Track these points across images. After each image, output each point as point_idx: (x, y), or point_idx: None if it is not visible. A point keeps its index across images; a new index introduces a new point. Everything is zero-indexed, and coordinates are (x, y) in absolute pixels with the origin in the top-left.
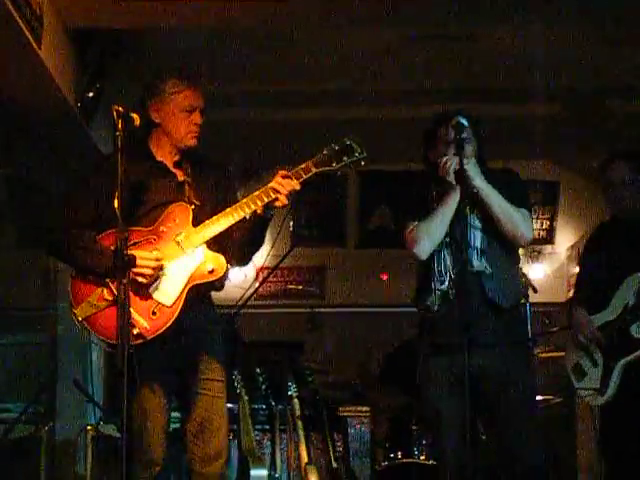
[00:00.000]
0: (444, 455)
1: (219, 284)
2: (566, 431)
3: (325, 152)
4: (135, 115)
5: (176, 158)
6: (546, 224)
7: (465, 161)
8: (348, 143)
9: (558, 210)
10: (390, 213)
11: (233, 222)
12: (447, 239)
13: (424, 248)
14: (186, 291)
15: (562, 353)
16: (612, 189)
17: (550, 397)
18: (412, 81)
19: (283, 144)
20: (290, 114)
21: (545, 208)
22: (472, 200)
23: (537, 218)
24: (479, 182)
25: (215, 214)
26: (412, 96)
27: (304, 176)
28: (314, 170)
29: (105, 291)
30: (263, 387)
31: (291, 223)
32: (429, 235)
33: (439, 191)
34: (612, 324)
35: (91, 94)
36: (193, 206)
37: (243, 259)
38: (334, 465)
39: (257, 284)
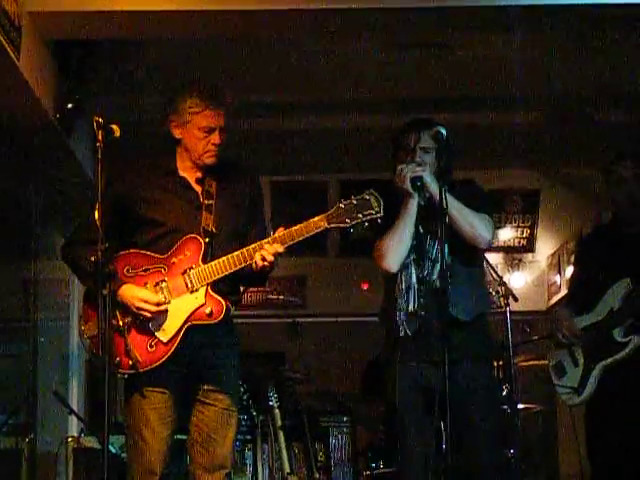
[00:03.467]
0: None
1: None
2: (547, 438)
3: (342, 205)
4: (115, 126)
5: (198, 174)
6: (526, 232)
7: (420, 169)
8: (367, 198)
9: (538, 219)
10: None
11: (239, 267)
12: (413, 255)
13: (391, 261)
14: (184, 330)
15: (543, 362)
16: (625, 185)
17: (531, 406)
18: (394, 89)
19: (269, 153)
20: (274, 123)
21: (525, 216)
22: (430, 210)
23: (517, 226)
24: (434, 188)
25: (232, 240)
26: (393, 105)
27: (314, 231)
28: (325, 226)
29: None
30: (244, 397)
31: (271, 233)
32: (394, 247)
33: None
34: (596, 326)
35: (70, 105)
36: (207, 239)
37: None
38: (316, 475)
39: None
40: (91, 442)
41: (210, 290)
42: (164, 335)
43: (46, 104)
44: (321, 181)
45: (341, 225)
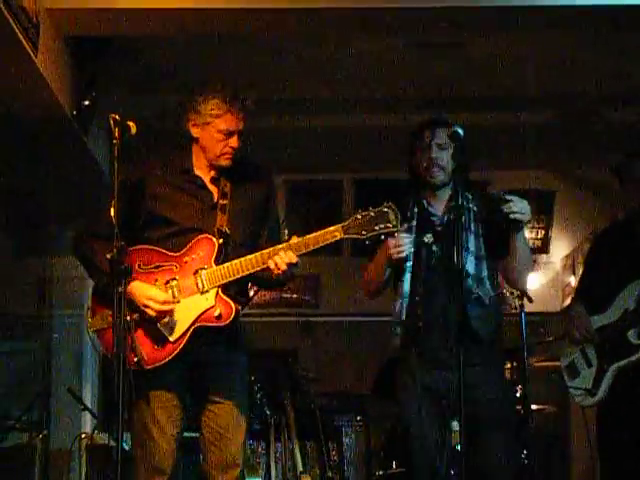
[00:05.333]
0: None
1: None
2: (560, 439)
3: (359, 217)
4: (132, 123)
5: (212, 174)
6: (541, 233)
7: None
8: (385, 211)
9: (553, 220)
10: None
11: (252, 271)
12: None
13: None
14: (191, 330)
15: (556, 363)
16: (638, 184)
17: (544, 407)
18: (409, 89)
19: (284, 151)
20: (289, 122)
21: (540, 217)
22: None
23: (532, 227)
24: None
25: (245, 241)
26: (407, 104)
27: (329, 241)
28: (341, 237)
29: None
30: (258, 396)
31: (286, 231)
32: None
33: (419, 201)
34: (610, 327)
35: (87, 102)
36: (221, 240)
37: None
38: (329, 474)
39: (252, 293)
40: (104, 439)
41: (221, 292)
42: (171, 334)
43: (63, 101)
44: (336, 180)
45: (357, 236)
